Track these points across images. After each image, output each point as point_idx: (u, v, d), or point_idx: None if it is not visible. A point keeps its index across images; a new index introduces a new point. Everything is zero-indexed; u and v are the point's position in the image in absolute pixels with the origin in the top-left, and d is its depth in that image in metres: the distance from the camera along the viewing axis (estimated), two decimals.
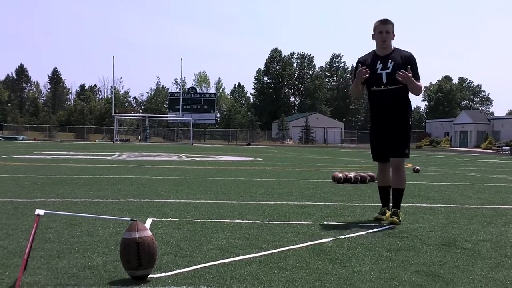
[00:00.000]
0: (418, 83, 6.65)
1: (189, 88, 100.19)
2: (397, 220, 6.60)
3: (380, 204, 7.23)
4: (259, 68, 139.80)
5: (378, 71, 6.73)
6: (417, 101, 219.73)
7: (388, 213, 6.88)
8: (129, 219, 3.98)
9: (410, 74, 6.47)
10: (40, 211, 3.75)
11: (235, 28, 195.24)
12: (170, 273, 3.98)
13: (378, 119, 6.99)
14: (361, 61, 6.96)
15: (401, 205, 6.80)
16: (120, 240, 3.92)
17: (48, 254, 4.54)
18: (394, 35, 6.83)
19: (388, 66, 6.68)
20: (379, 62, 6.76)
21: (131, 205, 7.72)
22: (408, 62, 6.66)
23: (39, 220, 3.80)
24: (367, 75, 6.66)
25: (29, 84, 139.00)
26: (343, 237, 5.64)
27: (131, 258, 3.74)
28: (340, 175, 12.34)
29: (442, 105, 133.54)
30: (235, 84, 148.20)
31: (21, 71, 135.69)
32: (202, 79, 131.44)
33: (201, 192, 9.75)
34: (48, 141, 72.07)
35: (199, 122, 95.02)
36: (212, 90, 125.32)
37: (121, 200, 8.27)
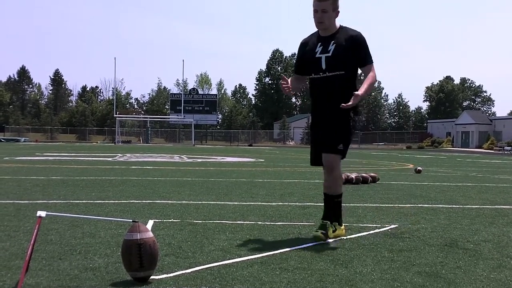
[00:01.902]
0: (368, 83, 5.56)
1: (190, 89, 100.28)
2: (322, 235, 5.42)
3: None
4: (260, 69, 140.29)
5: (317, 55, 5.60)
6: (418, 102, 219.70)
7: (341, 228, 5.74)
8: (131, 220, 3.98)
9: (355, 98, 5.36)
10: (42, 213, 3.75)
11: (236, 29, 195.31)
12: (171, 275, 3.98)
13: (317, 113, 5.87)
14: (303, 43, 5.87)
15: (402, 206, 6.75)
16: (121, 242, 3.92)
17: (50, 255, 4.54)
18: (338, 12, 5.57)
19: (329, 49, 5.54)
20: (319, 44, 5.62)
21: (132, 207, 7.72)
22: (353, 44, 5.53)
23: (41, 222, 3.80)
24: (289, 92, 5.73)
25: (30, 86, 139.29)
26: (344, 238, 5.64)
27: (133, 259, 3.74)
28: (342, 176, 12.32)
29: (443, 105, 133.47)
30: (236, 85, 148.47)
31: (23, 73, 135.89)
32: (204, 80, 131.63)
33: (203, 193, 9.75)
34: (49, 143, 72.18)
35: (201, 123, 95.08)
36: (214, 91, 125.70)
37: (122, 201, 8.27)
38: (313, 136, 5.98)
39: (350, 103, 5.34)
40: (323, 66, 5.57)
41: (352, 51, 5.53)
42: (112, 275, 3.93)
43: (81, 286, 3.68)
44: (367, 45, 5.62)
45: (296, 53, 6.01)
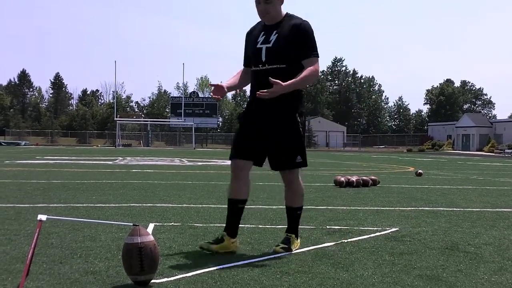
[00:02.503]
0: (302, 76, 4.89)
1: (191, 92, 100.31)
2: (282, 250, 5.01)
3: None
4: None
5: (258, 45, 5.04)
6: (419, 105, 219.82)
7: (230, 240, 5.00)
8: (131, 224, 3.97)
9: (277, 84, 4.72)
10: (43, 217, 3.75)
11: (237, 31, 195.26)
12: (172, 278, 3.98)
13: (254, 108, 5.15)
14: (248, 32, 5.32)
15: (403, 209, 6.74)
16: (122, 245, 3.92)
17: (51, 259, 4.53)
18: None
19: (270, 39, 4.97)
20: (262, 33, 5.07)
21: (133, 210, 7.71)
22: (296, 33, 4.93)
23: (42, 226, 3.80)
24: (217, 99, 5.18)
25: (31, 89, 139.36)
26: (345, 241, 5.64)
27: (134, 263, 3.73)
28: (342, 179, 12.33)
29: (444, 108, 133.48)
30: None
31: (23, 76, 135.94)
32: (204, 83, 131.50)
33: (203, 196, 9.75)
34: (50, 146, 72.18)
35: (201, 126, 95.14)
36: None
37: (123, 205, 8.27)
38: (247, 130, 5.14)
39: (265, 92, 4.73)
40: (263, 58, 4.99)
41: (295, 42, 4.93)
42: (112, 279, 3.93)
43: None
44: (313, 36, 4.99)
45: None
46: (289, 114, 5.04)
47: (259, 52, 5.02)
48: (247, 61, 5.31)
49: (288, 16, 5.08)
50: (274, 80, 4.71)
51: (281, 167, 5.26)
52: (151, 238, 3.85)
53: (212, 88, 5.13)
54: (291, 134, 5.07)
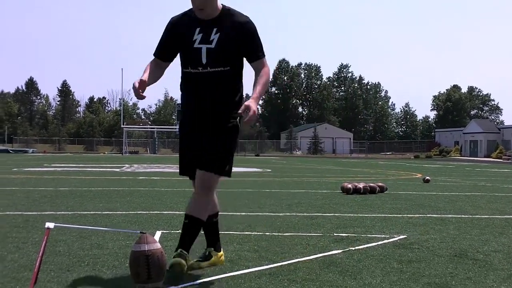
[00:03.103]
0: (262, 85, 4.43)
1: None
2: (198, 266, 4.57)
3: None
4: None
5: (196, 44, 4.37)
6: (426, 111, 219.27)
7: (217, 255, 4.76)
8: (138, 231, 3.97)
9: (249, 110, 4.10)
10: (50, 224, 3.75)
11: None
12: (179, 286, 3.96)
13: (192, 115, 4.57)
14: (173, 23, 4.55)
15: (411, 216, 6.69)
16: (129, 253, 3.91)
17: (58, 267, 4.52)
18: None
19: (212, 39, 4.35)
20: (198, 30, 4.38)
21: (140, 218, 7.71)
22: (242, 33, 4.39)
23: (49, 233, 3.80)
24: (142, 98, 4.32)
25: (38, 97, 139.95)
26: (353, 248, 5.61)
27: (141, 271, 3.72)
28: (350, 185, 12.30)
29: (451, 114, 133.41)
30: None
31: (31, 84, 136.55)
32: None
33: None
34: (57, 154, 72.33)
35: None
36: None
37: (130, 212, 8.27)
38: (187, 140, 4.63)
39: (242, 114, 4.16)
40: (204, 60, 4.36)
41: (240, 43, 4.40)
42: (120, 287, 3.91)
43: None
44: (258, 34, 4.50)
45: (162, 33, 4.60)
46: (228, 117, 4.51)
47: (198, 52, 4.36)
48: (165, 54, 4.57)
49: (225, 9, 4.45)
50: (246, 105, 4.12)
51: (206, 166, 4.48)
52: (158, 245, 3.84)
53: (137, 86, 4.22)
54: (229, 137, 4.57)
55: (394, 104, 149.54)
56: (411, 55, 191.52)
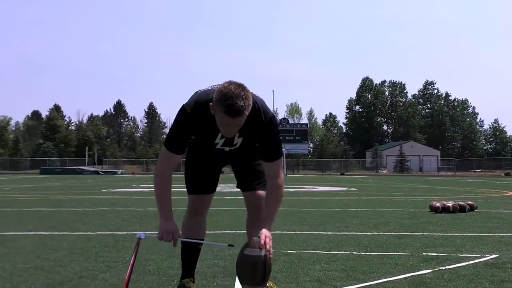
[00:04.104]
0: (274, 212, 4.07)
1: (281, 119, 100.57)
2: None
3: None
4: (350, 97, 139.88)
5: (218, 147, 4.13)
6: None
7: (194, 286, 4.46)
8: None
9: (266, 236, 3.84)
10: (141, 234, 3.87)
11: (325, 58, 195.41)
12: None
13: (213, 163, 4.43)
14: (191, 118, 3.89)
15: (503, 234, 6.50)
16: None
17: (148, 286, 4.63)
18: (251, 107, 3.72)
19: (235, 143, 4.11)
20: (220, 135, 3.98)
21: (227, 237, 7.78)
22: (265, 132, 3.99)
23: (141, 245, 3.90)
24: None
25: (126, 119, 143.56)
26: (443, 268, 5.50)
27: (257, 274, 3.80)
28: (438, 204, 12.06)
29: None
30: (326, 114, 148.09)
31: (119, 107, 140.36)
32: (294, 109, 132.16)
33: (296, 223, 9.73)
34: (145, 174, 73.91)
35: (292, 152, 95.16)
36: (304, 120, 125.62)
37: (217, 231, 8.35)
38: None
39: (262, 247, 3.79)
40: (226, 150, 4.18)
41: (261, 140, 4.04)
42: None
43: None
44: (278, 133, 4.16)
45: (177, 126, 3.95)
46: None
47: (221, 151, 4.18)
48: (182, 148, 4.06)
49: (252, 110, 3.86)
50: (260, 238, 3.82)
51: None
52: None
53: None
54: None
55: (482, 121, 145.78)
56: (500, 70, 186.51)
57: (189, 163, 4.48)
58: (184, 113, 3.88)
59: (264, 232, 3.86)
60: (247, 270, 3.85)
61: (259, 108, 3.91)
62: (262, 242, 3.80)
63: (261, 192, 4.32)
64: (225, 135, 3.84)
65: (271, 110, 4.02)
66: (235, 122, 3.65)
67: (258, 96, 3.97)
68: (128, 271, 3.76)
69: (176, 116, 3.92)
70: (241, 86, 3.64)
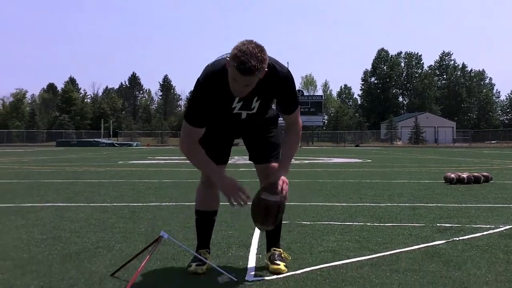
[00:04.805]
0: (290, 155, 4.26)
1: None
2: (285, 268, 4.21)
3: None
4: (366, 69, 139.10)
5: (236, 111, 4.07)
6: None
7: (209, 257, 4.40)
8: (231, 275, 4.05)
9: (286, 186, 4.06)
10: (165, 235, 3.91)
11: (341, 30, 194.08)
12: (281, 276, 4.02)
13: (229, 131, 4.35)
14: (207, 86, 3.88)
15: None
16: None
17: (164, 256, 4.68)
18: (265, 70, 3.69)
19: (253, 107, 4.06)
20: (238, 99, 3.96)
21: (242, 208, 7.80)
22: (281, 90, 3.99)
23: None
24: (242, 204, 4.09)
25: (141, 92, 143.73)
26: (457, 239, 5.51)
27: (270, 217, 4.01)
28: (453, 175, 12.04)
29: None
30: (341, 86, 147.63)
31: (134, 80, 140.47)
32: (309, 81, 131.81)
33: (311, 194, 9.76)
34: (160, 147, 74.14)
35: (307, 124, 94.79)
36: (319, 92, 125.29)
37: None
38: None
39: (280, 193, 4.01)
40: (244, 116, 4.12)
41: (277, 97, 4.06)
42: (224, 277, 4.00)
43: (191, 286, 3.78)
44: (295, 86, 4.11)
45: (196, 100, 3.93)
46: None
47: (237, 115, 4.11)
48: (203, 122, 4.03)
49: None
50: (278, 183, 4.03)
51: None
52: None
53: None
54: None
55: (499, 92, 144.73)
56: None
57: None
58: (199, 86, 3.89)
59: (282, 178, 4.03)
60: (260, 212, 3.96)
61: (273, 66, 3.87)
62: (280, 188, 3.97)
63: (274, 165, 4.31)
64: (234, 93, 3.80)
65: (287, 67, 4.01)
66: (244, 80, 3.64)
67: (271, 56, 3.89)
68: (142, 264, 3.78)
69: (193, 90, 3.95)
70: (259, 47, 3.63)
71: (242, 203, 4.00)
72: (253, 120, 4.20)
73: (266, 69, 3.70)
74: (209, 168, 4.06)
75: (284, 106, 4.10)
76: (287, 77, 3.96)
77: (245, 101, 3.98)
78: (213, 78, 3.84)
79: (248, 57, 3.53)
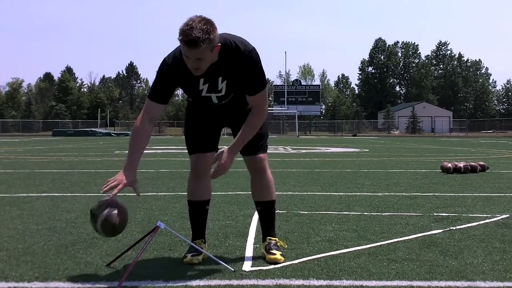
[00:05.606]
0: (246, 132, 4.08)
1: (293, 80, 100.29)
2: (282, 257, 4.16)
3: None
4: (363, 59, 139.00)
5: (204, 94, 4.08)
6: None
7: (205, 247, 4.38)
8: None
9: (222, 159, 4.03)
10: (161, 225, 3.88)
11: (338, 19, 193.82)
12: (279, 266, 4.01)
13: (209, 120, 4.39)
14: (170, 68, 3.94)
15: (510, 195, 6.49)
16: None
17: (160, 246, 4.67)
18: (218, 46, 3.70)
19: (220, 88, 4.02)
20: (202, 80, 3.96)
21: (239, 198, 7.81)
22: (244, 67, 3.89)
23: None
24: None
25: (138, 81, 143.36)
26: (454, 228, 5.51)
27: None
28: (449, 165, 12.04)
29: None
30: (339, 75, 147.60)
31: (131, 69, 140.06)
32: (307, 71, 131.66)
33: (308, 184, 9.76)
34: (158, 136, 74.06)
35: (304, 114, 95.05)
36: (317, 82, 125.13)
37: (229, 193, 8.39)
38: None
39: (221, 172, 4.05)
40: (214, 101, 4.13)
41: (243, 75, 3.94)
42: (219, 266, 3.99)
43: (190, 277, 3.77)
44: (261, 65, 3.98)
45: (159, 77, 4.00)
46: None
47: (207, 98, 4.13)
48: (163, 97, 4.05)
49: (224, 47, 3.81)
50: (220, 153, 4.07)
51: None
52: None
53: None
54: None
55: (495, 82, 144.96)
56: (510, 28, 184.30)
57: (187, 122, 4.51)
58: (164, 63, 3.95)
59: (225, 155, 4.03)
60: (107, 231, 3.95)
61: (235, 44, 3.85)
62: (216, 156, 4.09)
63: (262, 155, 4.38)
64: (193, 72, 3.76)
65: (253, 46, 3.93)
66: (192, 54, 3.60)
67: (237, 35, 3.94)
68: (138, 254, 3.76)
69: (158, 67, 3.98)
70: (205, 20, 3.62)
71: (110, 194, 4.13)
72: (232, 107, 4.22)
73: (219, 44, 3.70)
74: (129, 151, 4.15)
75: (247, 86, 4.00)
76: (250, 56, 3.88)
77: (210, 82, 3.97)
78: (180, 59, 3.83)
79: (192, 29, 3.53)
